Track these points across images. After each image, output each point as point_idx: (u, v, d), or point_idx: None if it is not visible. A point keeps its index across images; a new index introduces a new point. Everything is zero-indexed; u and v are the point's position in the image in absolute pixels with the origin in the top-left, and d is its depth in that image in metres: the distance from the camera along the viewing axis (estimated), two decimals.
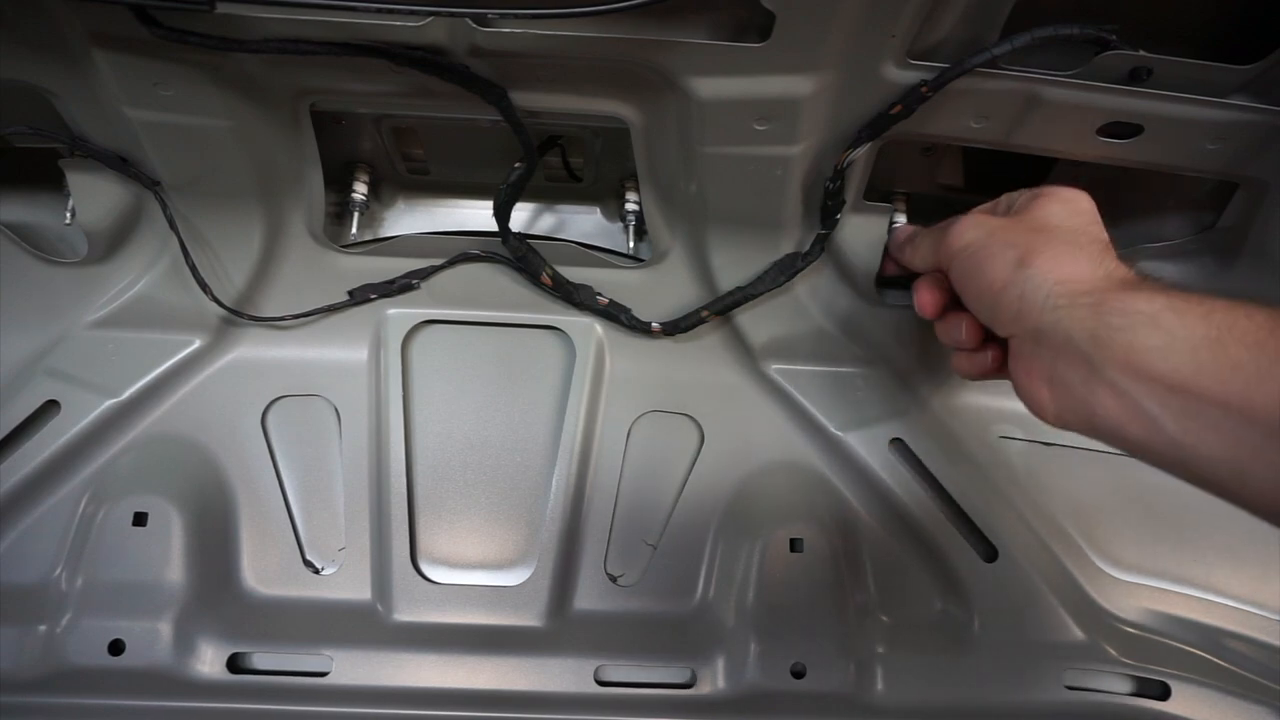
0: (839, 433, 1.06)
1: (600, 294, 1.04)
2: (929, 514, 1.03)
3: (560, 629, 1.00)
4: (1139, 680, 1.01)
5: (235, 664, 0.96)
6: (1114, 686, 1.01)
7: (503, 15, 0.71)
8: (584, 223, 1.16)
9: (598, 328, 1.06)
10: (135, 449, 1.02)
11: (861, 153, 0.86)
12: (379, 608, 1.00)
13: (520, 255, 1.02)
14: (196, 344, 1.04)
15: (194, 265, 0.97)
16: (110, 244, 0.99)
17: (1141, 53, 0.76)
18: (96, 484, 1.00)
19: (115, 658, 0.93)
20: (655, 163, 0.94)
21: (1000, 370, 0.79)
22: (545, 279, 1.02)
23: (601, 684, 0.97)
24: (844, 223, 0.96)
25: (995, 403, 1.07)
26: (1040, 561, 1.03)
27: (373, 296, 1.04)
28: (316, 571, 1.01)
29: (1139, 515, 1.06)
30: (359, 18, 0.72)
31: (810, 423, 1.07)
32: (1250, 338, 0.52)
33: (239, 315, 1.02)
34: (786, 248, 0.99)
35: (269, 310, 1.04)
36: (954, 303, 0.81)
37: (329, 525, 1.02)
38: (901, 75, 0.78)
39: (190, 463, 1.02)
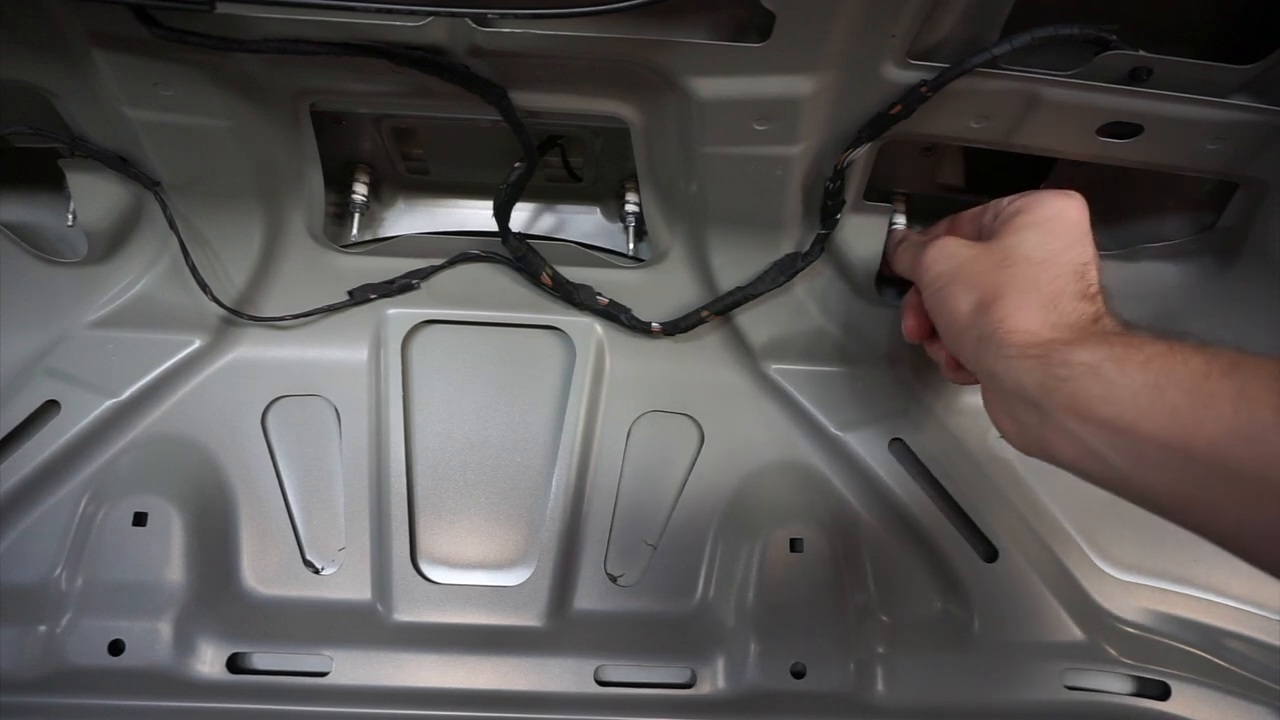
0: (839, 433, 1.06)
1: (600, 294, 1.04)
2: (929, 514, 1.03)
3: (560, 629, 1.00)
4: (1139, 680, 1.01)
5: (235, 664, 0.96)
6: (1114, 686, 1.01)
7: (503, 15, 0.71)
8: (584, 223, 1.16)
9: (598, 328, 1.06)
10: (135, 449, 1.02)
11: (861, 153, 0.86)
12: (379, 608, 1.00)
13: (520, 255, 1.02)
14: (196, 344, 1.04)
15: (194, 265, 0.97)
16: (110, 244, 0.99)
17: (1141, 53, 0.76)
18: (96, 484, 1.00)
19: (115, 658, 0.93)
20: (655, 163, 0.94)
21: None
22: (545, 279, 1.02)
23: (601, 684, 0.97)
24: (844, 223, 0.96)
25: None
26: (1040, 561, 1.03)
27: (373, 296, 1.04)
28: (316, 571, 1.01)
29: (1139, 515, 1.04)
30: (359, 18, 0.72)
31: (810, 423, 1.07)
32: (1186, 382, 0.56)
33: (239, 315, 1.02)
34: (786, 248, 0.99)
35: (269, 310, 1.04)
36: None
37: (329, 525, 1.02)
38: (901, 75, 0.78)
39: (190, 463, 1.02)
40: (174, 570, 0.96)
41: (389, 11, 0.71)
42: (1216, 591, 1.04)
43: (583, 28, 0.73)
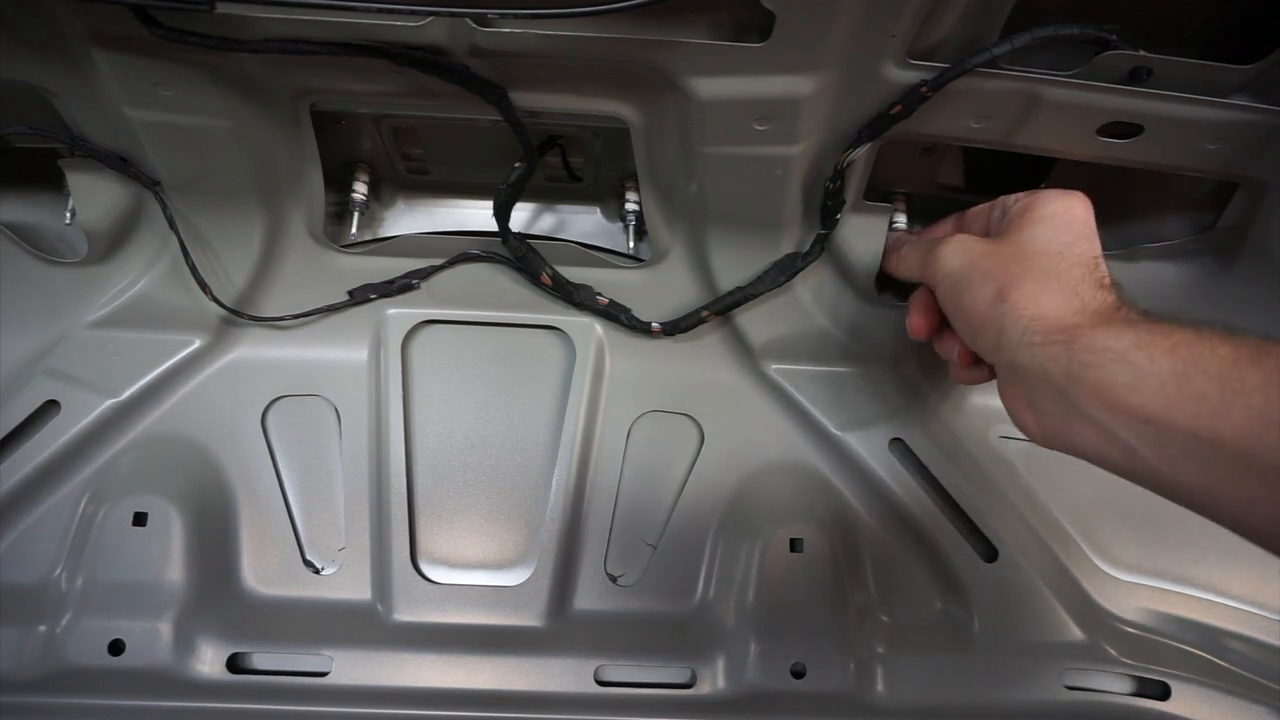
0: (839, 433, 1.06)
1: (600, 294, 1.04)
2: (929, 514, 1.03)
3: (560, 629, 1.00)
4: (1139, 680, 1.01)
5: (235, 664, 0.96)
6: (1114, 686, 1.01)
7: (503, 15, 0.71)
8: (584, 223, 1.16)
9: (598, 328, 1.06)
10: (135, 449, 1.02)
11: (861, 153, 0.86)
12: (379, 608, 1.00)
13: (520, 255, 1.02)
14: (196, 344, 1.04)
15: (194, 265, 0.97)
16: (110, 244, 0.99)
17: (1142, 53, 0.76)
18: (96, 484, 1.00)
19: (115, 658, 0.93)
20: (655, 163, 0.94)
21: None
22: (545, 279, 1.02)
23: (601, 684, 0.97)
24: (844, 223, 0.96)
25: (995, 403, 1.06)
26: (1040, 561, 1.03)
27: (373, 296, 1.04)
28: (316, 571, 1.01)
29: (1139, 515, 1.06)
30: (359, 18, 0.72)
31: (810, 423, 1.07)
32: (1214, 370, 0.55)
33: (239, 315, 1.02)
34: (786, 248, 0.99)
35: (269, 310, 1.04)
36: (946, 320, 0.82)
37: (329, 525, 1.02)
38: (901, 75, 0.78)
39: (190, 463, 1.02)
40: (174, 570, 0.96)
41: (389, 11, 0.71)
42: (1216, 591, 1.04)
43: (583, 28, 0.73)
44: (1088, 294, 0.67)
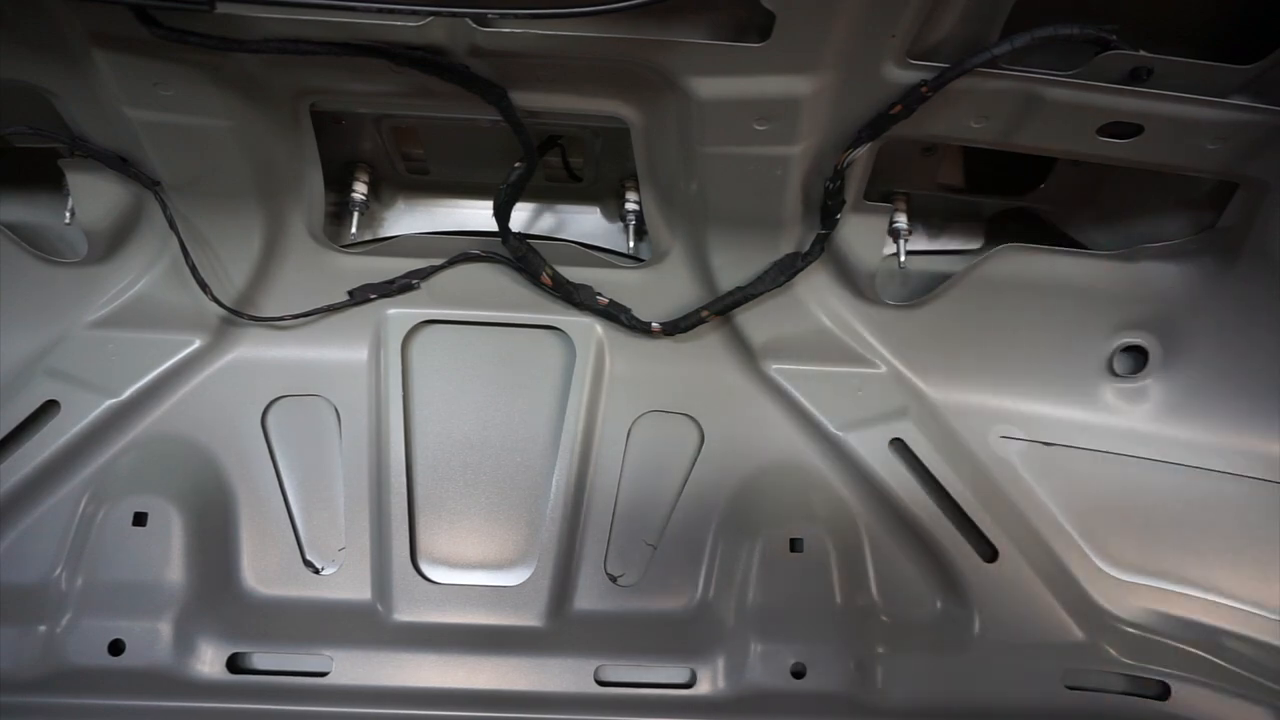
0: (839, 433, 1.05)
1: (600, 294, 1.04)
2: (929, 514, 1.03)
3: (560, 629, 1.00)
4: (1139, 680, 1.01)
5: (235, 664, 0.96)
6: (1114, 686, 1.01)
7: (503, 15, 0.71)
8: (584, 223, 1.16)
9: (598, 328, 1.06)
10: (135, 449, 1.02)
11: (861, 153, 0.86)
12: (379, 608, 1.00)
13: (520, 255, 1.02)
14: (196, 344, 1.03)
15: (194, 265, 0.97)
16: (110, 244, 0.99)
17: (1142, 53, 0.76)
18: (96, 484, 1.00)
19: (115, 658, 0.93)
20: (655, 163, 0.94)
21: None
22: (545, 279, 1.02)
23: (601, 684, 0.97)
24: (844, 222, 0.96)
25: (995, 403, 1.07)
26: (1040, 561, 1.03)
27: (372, 296, 1.04)
28: (316, 571, 1.01)
29: (1139, 515, 1.06)
30: (359, 18, 0.72)
31: (810, 423, 1.07)
32: None
33: (239, 315, 1.02)
34: (786, 248, 0.99)
35: (269, 310, 1.04)
36: None
37: (329, 525, 1.02)
38: (902, 75, 0.78)
39: (190, 463, 1.02)
40: (174, 570, 0.95)
41: (389, 11, 0.71)
42: (1216, 591, 1.04)
43: (583, 28, 0.73)
44: None
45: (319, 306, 1.04)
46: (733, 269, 1.01)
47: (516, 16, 0.71)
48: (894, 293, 1.06)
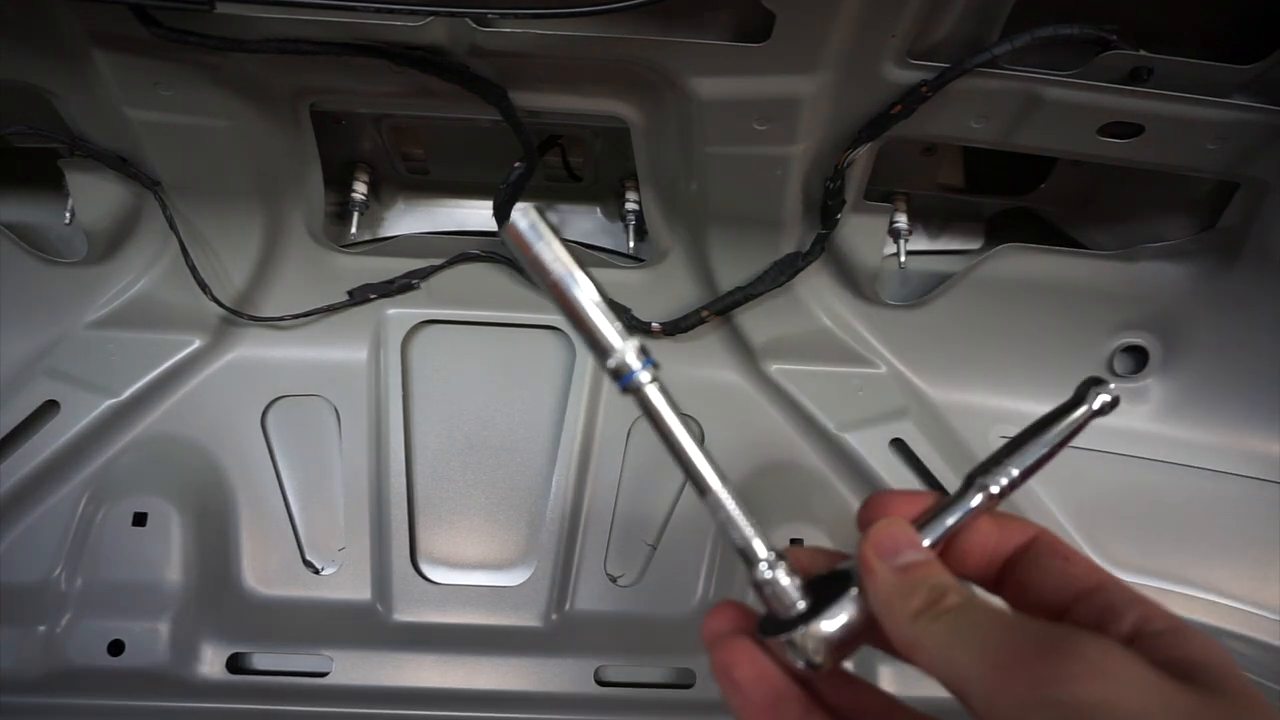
0: (839, 433, 1.05)
1: None
2: None
3: (560, 629, 1.00)
4: None
5: (235, 664, 0.96)
6: None
7: (502, 15, 0.71)
8: (584, 223, 1.16)
9: None
10: (135, 449, 1.02)
11: (862, 152, 0.86)
12: (379, 608, 1.00)
13: None
14: (196, 344, 1.03)
15: (194, 265, 0.97)
16: (110, 244, 0.99)
17: (1142, 52, 0.76)
18: (96, 484, 1.00)
19: (115, 658, 0.93)
20: (655, 162, 0.94)
21: None
22: None
23: (601, 684, 0.97)
24: (844, 222, 0.95)
25: (995, 402, 1.07)
26: None
27: (372, 296, 1.04)
28: (316, 572, 1.01)
29: (1139, 515, 1.06)
30: (359, 18, 0.72)
31: (810, 423, 1.07)
32: None
33: (239, 315, 1.02)
34: (787, 247, 0.98)
35: (269, 310, 1.04)
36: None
37: (329, 525, 1.02)
38: (902, 75, 0.78)
39: (190, 463, 1.02)
40: (174, 570, 0.95)
41: (389, 11, 0.71)
42: (1216, 591, 1.04)
43: (583, 27, 0.73)
44: None
45: (319, 306, 1.04)
46: (733, 269, 1.00)
47: (516, 16, 0.71)
48: (894, 293, 1.06)
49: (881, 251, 0.99)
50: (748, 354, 1.07)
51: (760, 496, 1.05)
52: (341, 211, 1.10)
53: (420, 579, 1.00)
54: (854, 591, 0.41)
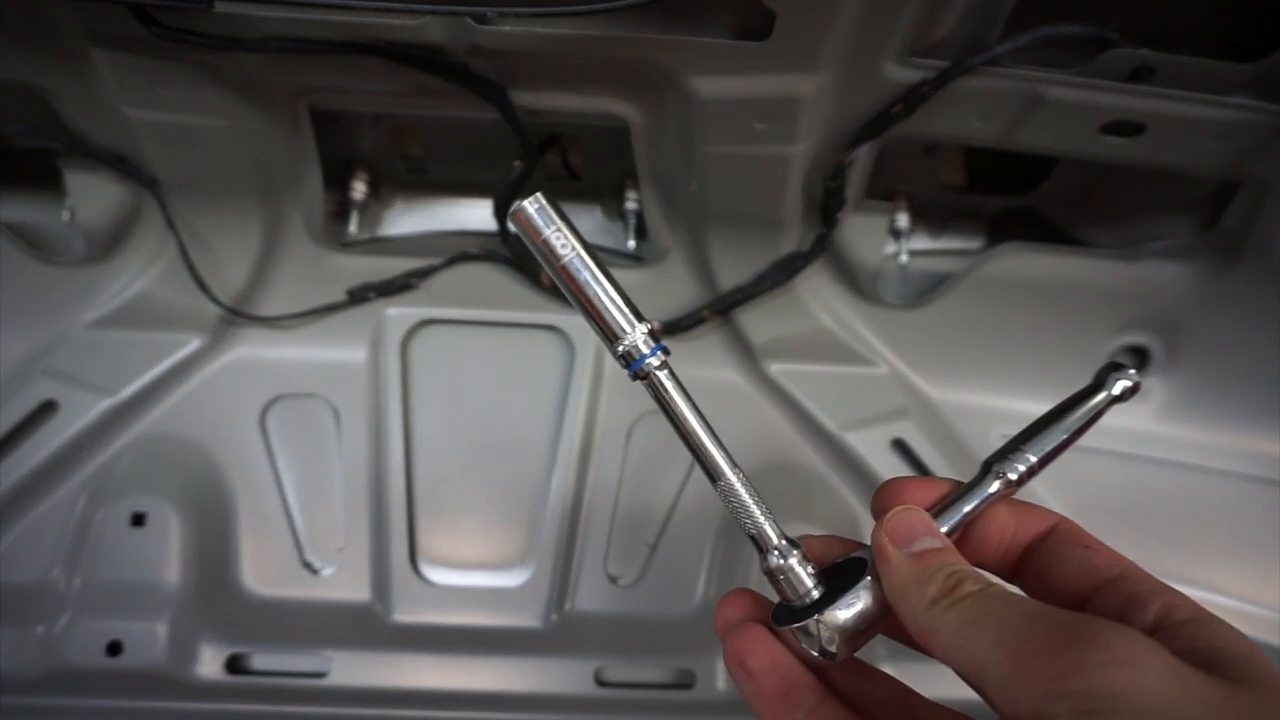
0: (839, 433, 1.05)
1: None
2: None
3: (560, 630, 1.00)
4: None
5: (234, 665, 0.95)
6: None
7: (502, 14, 0.71)
8: (584, 222, 1.16)
9: None
10: (134, 449, 1.02)
11: (862, 152, 0.86)
12: (378, 608, 0.99)
13: (519, 255, 1.02)
14: (195, 344, 1.03)
15: (192, 265, 0.96)
16: (109, 243, 0.98)
17: (1144, 51, 0.76)
18: (95, 484, 1.00)
19: (113, 659, 0.92)
20: (656, 162, 0.94)
21: None
22: (544, 279, 1.02)
23: (601, 684, 0.97)
24: (845, 222, 0.95)
25: (996, 402, 1.07)
26: None
27: (371, 296, 1.04)
28: (315, 572, 1.01)
29: (1139, 515, 1.06)
30: (358, 16, 0.72)
31: (810, 423, 1.07)
32: None
33: (238, 315, 1.01)
34: (787, 247, 0.98)
35: (268, 310, 1.04)
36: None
37: (328, 526, 1.02)
38: (903, 74, 0.78)
39: (189, 463, 1.01)
40: (172, 571, 0.95)
41: (388, 10, 0.70)
42: (1216, 591, 1.04)
43: (583, 26, 0.73)
44: None
45: (318, 306, 1.04)
46: (733, 268, 1.00)
47: (516, 15, 0.71)
48: (895, 292, 1.06)
49: (882, 251, 0.99)
50: (748, 354, 1.07)
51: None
52: (341, 211, 1.10)
53: (419, 579, 1.00)
54: (868, 579, 0.40)
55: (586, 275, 0.39)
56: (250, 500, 1.02)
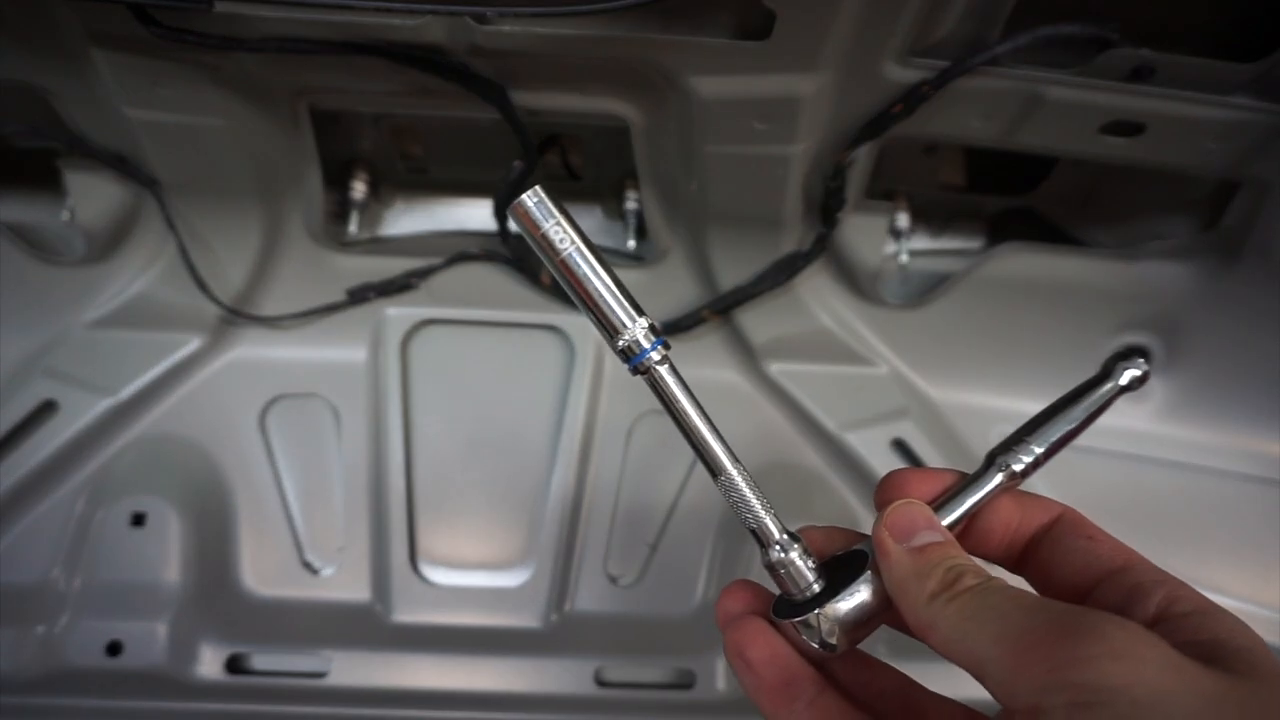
0: (839, 432, 1.05)
1: None
2: None
3: (560, 630, 1.00)
4: None
5: (234, 665, 0.95)
6: None
7: (502, 14, 0.71)
8: (584, 222, 1.14)
9: None
10: (133, 449, 1.02)
11: (862, 152, 0.86)
12: (378, 608, 0.99)
13: (519, 255, 1.02)
14: (195, 344, 1.03)
15: (192, 265, 0.96)
16: (109, 243, 0.98)
17: (1144, 51, 0.76)
18: (95, 484, 1.00)
19: (113, 659, 0.92)
20: (656, 162, 0.94)
21: None
22: (544, 278, 1.02)
23: (601, 684, 0.97)
24: (845, 222, 0.95)
25: (996, 402, 1.07)
26: None
27: (371, 296, 1.04)
28: (315, 572, 1.01)
29: (1139, 515, 1.06)
30: (358, 16, 0.72)
31: (810, 423, 1.07)
32: None
33: (238, 315, 1.01)
34: (787, 247, 0.98)
35: (267, 310, 1.04)
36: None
37: (328, 525, 1.02)
38: (903, 74, 0.78)
39: (189, 463, 1.01)
40: (172, 571, 0.95)
41: (388, 10, 0.70)
42: (1217, 591, 1.04)
43: (583, 26, 0.73)
44: None
45: (318, 306, 1.04)
46: (733, 268, 1.00)
47: (516, 15, 0.71)
48: (895, 292, 1.06)
49: (882, 251, 0.99)
50: (748, 354, 1.07)
51: None
52: (341, 211, 1.10)
53: (419, 579, 1.00)
54: (869, 573, 0.41)
55: (586, 269, 0.39)
56: (250, 500, 1.02)
